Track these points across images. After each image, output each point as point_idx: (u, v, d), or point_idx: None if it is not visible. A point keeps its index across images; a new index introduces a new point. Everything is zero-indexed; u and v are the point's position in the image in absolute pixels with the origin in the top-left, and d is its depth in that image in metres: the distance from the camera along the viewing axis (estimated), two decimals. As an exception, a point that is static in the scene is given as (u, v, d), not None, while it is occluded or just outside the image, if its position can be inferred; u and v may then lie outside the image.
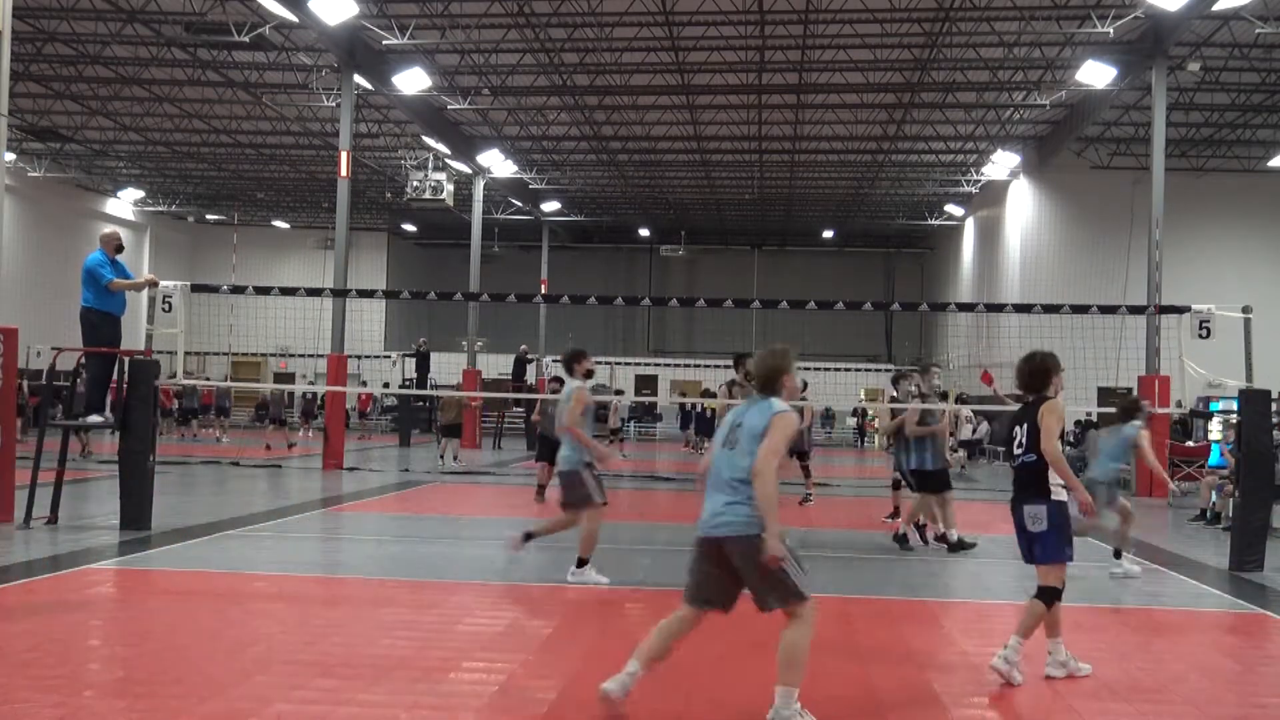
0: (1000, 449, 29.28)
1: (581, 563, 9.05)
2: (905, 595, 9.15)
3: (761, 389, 5.46)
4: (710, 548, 5.31)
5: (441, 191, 26.72)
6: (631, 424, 40.92)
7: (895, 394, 12.92)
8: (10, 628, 6.92)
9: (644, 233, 45.53)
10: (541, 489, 15.16)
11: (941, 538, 11.68)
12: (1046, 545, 6.24)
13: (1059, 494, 6.23)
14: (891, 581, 9.79)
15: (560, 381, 16.26)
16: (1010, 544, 12.07)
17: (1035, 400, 6.44)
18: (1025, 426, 6.36)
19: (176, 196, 41.88)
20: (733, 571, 5.27)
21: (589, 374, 9.55)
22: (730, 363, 15.21)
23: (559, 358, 11.25)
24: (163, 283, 13.45)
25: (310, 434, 31.56)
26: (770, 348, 5.58)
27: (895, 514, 13.77)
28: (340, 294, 21.18)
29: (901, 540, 11.68)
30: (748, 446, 5.26)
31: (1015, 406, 10.67)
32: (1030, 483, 6.29)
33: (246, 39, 21.63)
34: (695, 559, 5.39)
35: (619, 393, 31.22)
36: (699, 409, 28.72)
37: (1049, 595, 6.23)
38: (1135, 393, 19.97)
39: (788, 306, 14.83)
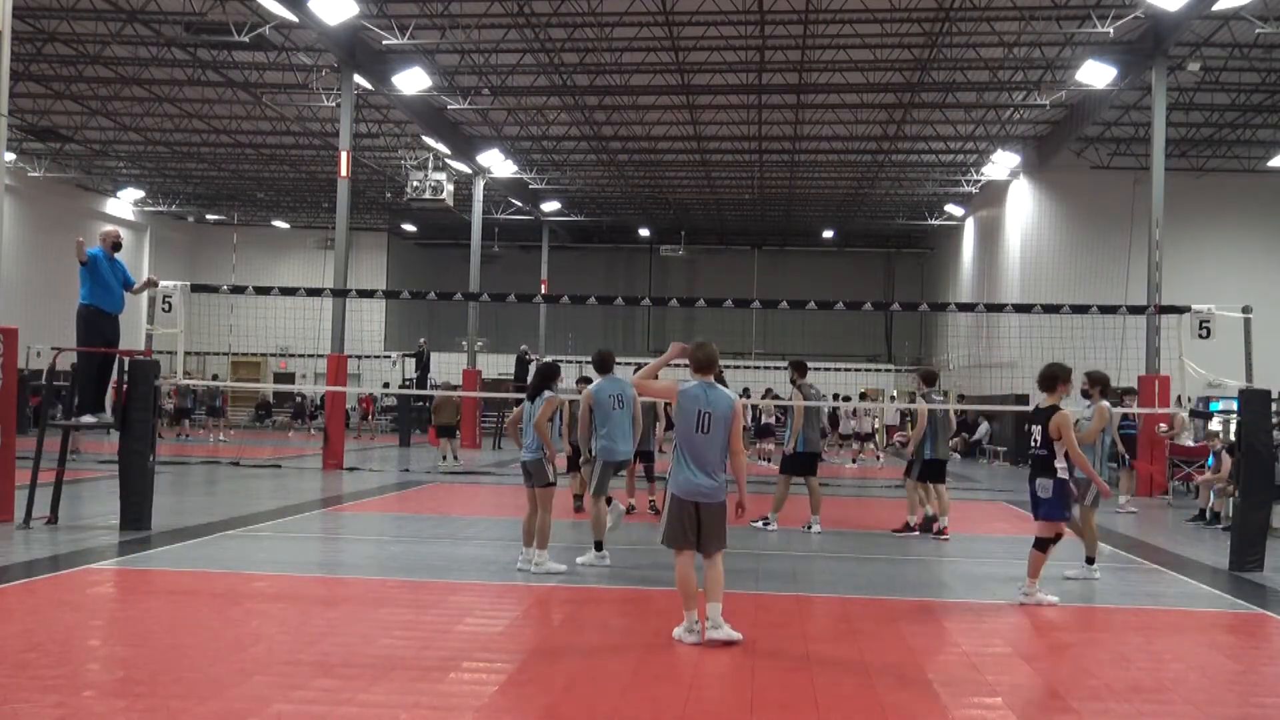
0: (1001, 449, 29.30)
1: None
2: (905, 595, 9.14)
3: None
4: None
5: (441, 191, 26.70)
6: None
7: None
8: (10, 628, 6.92)
9: (644, 233, 45.48)
10: (578, 498, 14.24)
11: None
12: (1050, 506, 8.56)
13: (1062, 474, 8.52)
14: (891, 581, 9.79)
15: (587, 381, 15.93)
16: (1010, 542, 12.18)
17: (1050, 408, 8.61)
18: (1041, 428, 8.58)
19: (176, 196, 41.83)
20: None
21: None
22: (730, 363, 15.05)
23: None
24: (163, 283, 13.46)
25: (311, 432, 31.61)
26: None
27: None
28: (340, 294, 21.17)
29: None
30: None
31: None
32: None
33: (246, 39, 21.60)
34: None
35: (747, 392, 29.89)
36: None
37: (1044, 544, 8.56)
38: (1135, 392, 19.98)
39: (788, 306, 14.85)
